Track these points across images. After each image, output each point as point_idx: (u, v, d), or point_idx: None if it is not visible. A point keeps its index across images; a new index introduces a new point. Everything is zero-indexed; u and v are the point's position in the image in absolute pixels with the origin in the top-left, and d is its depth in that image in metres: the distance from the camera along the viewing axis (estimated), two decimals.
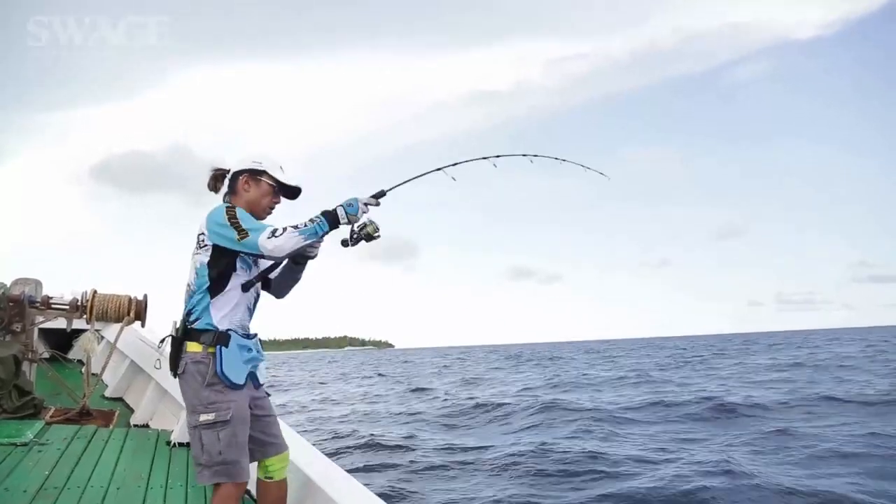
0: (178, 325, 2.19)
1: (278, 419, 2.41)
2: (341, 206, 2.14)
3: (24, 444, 3.47)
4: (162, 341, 2.42)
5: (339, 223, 2.14)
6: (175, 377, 2.18)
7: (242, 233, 2.08)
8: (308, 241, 2.08)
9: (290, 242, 2.05)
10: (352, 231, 2.23)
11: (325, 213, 2.13)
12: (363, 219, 2.20)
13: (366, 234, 2.24)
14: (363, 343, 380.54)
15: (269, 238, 2.05)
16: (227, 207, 2.18)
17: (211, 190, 2.37)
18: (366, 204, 2.19)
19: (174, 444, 3.73)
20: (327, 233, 2.13)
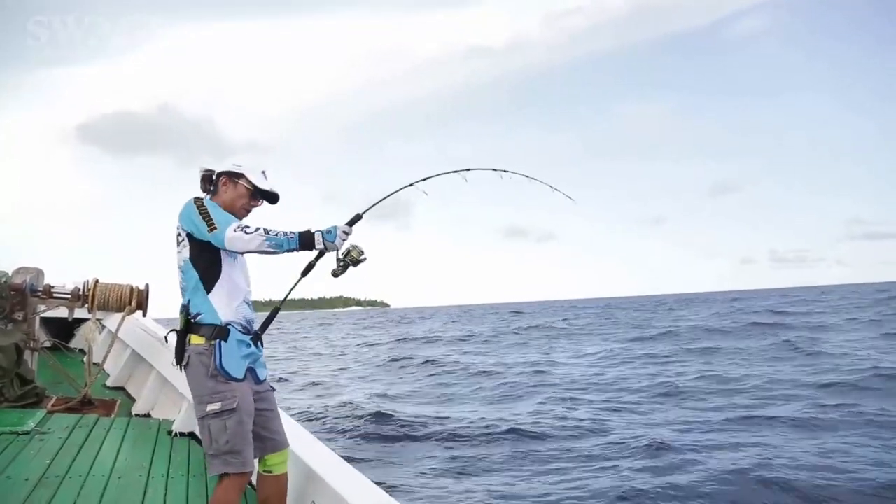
0: (180, 320, 2.21)
1: (280, 414, 2.40)
2: (320, 231, 2.15)
3: (26, 433, 3.48)
4: (167, 336, 2.46)
5: (315, 247, 2.15)
6: (181, 369, 2.20)
7: (212, 225, 2.11)
8: (271, 250, 2.09)
9: (253, 242, 2.08)
10: (337, 259, 2.25)
11: (302, 234, 2.14)
12: (345, 245, 2.22)
13: (352, 260, 2.25)
14: (359, 303, 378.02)
15: (234, 230, 2.07)
16: (195, 200, 2.21)
17: (203, 191, 2.38)
18: (344, 232, 2.20)
19: (175, 433, 3.74)
20: (295, 251, 2.13)
